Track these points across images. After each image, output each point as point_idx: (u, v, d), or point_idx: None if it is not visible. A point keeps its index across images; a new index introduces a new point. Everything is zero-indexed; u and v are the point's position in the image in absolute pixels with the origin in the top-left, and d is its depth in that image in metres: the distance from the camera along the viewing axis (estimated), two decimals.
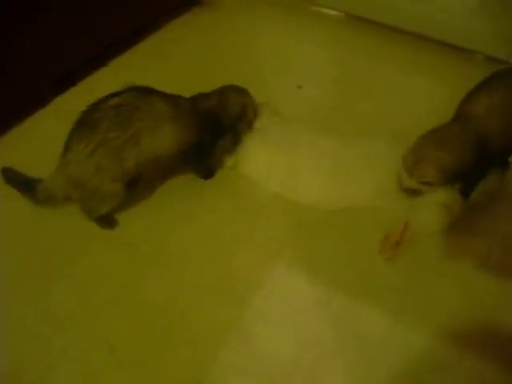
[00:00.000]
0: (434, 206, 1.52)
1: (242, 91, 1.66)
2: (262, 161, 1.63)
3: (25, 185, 1.51)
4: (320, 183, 1.58)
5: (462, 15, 2.23)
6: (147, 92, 1.46)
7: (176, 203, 1.61)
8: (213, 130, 1.61)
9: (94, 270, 1.43)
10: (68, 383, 1.21)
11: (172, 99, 1.50)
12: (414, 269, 1.46)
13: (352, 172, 1.59)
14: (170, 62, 2.16)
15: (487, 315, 1.37)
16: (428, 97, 2.08)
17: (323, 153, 1.61)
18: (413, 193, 1.53)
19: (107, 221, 1.53)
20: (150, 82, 1.75)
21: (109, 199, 1.46)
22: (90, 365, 1.24)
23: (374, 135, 1.78)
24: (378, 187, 1.58)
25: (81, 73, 2.02)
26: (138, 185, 1.58)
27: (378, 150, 1.64)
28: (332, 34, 2.37)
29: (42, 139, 1.77)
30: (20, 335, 1.29)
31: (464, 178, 1.56)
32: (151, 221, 1.56)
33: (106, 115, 1.39)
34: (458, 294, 1.41)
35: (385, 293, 1.40)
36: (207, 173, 1.69)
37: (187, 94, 1.59)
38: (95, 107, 1.41)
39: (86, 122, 1.40)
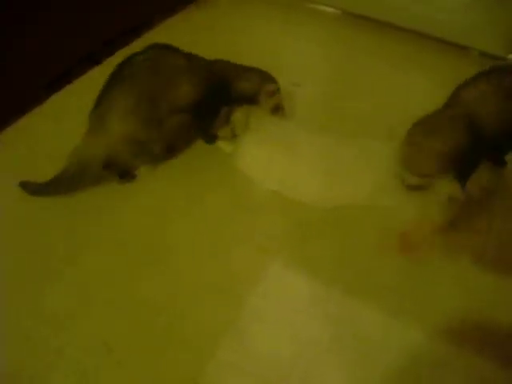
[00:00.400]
0: (435, 199, 1.54)
1: (266, 77, 1.71)
2: (259, 158, 1.63)
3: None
4: (318, 182, 1.58)
5: (458, 12, 2.22)
6: (167, 48, 1.57)
7: (172, 202, 1.61)
8: (218, 93, 1.65)
9: (92, 270, 1.42)
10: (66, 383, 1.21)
11: (190, 55, 1.61)
12: (412, 268, 1.46)
13: (350, 171, 1.59)
14: None
15: (485, 313, 1.37)
16: (425, 94, 2.07)
17: (321, 152, 1.62)
18: (416, 189, 1.52)
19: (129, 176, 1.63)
20: None
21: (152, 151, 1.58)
22: (88, 365, 1.23)
23: (371, 133, 1.79)
24: (377, 185, 1.59)
25: (75, 72, 2.01)
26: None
27: (373, 147, 1.65)
28: (329, 31, 2.36)
29: (36, 138, 1.76)
30: (18, 335, 1.28)
31: (459, 165, 1.55)
32: (148, 220, 1.55)
33: (138, 69, 1.48)
34: (456, 293, 1.40)
35: (383, 292, 1.40)
36: (207, 138, 1.75)
37: None
38: (124, 64, 1.50)
39: (121, 78, 1.48)
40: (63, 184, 1.51)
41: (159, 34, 2.29)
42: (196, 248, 1.49)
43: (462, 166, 1.57)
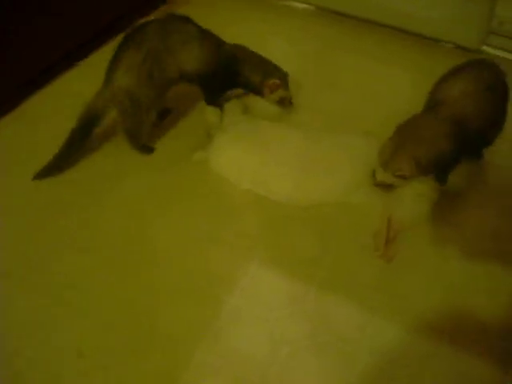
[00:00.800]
0: (416, 198, 1.53)
1: (270, 70, 1.76)
2: (232, 158, 1.62)
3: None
4: (291, 179, 1.57)
5: (432, 7, 2.23)
6: (183, 18, 1.68)
7: (148, 203, 1.59)
8: (226, 72, 1.73)
9: (65, 274, 1.40)
10: None
11: (203, 29, 1.70)
12: (389, 264, 1.46)
13: (324, 167, 1.57)
14: None
15: (464, 307, 1.38)
16: (399, 88, 2.09)
17: (294, 149, 1.60)
18: (386, 187, 1.52)
19: (146, 148, 1.71)
20: None
21: (151, 112, 1.64)
22: (59, 372, 1.21)
23: (346, 129, 1.79)
24: (351, 182, 1.58)
25: (47, 76, 1.98)
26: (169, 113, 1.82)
27: (349, 144, 1.64)
28: (302, 27, 2.36)
29: (6, 144, 1.74)
30: None
31: (441, 168, 1.56)
32: (123, 222, 1.54)
33: (150, 30, 1.58)
34: (434, 288, 1.41)
35: (359, 288, 1.40)
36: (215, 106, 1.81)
37: None
38: (139, 27, 1.59)
39: (134, 37, 1.57)
40: (74, 145, 1.59)
41: None
42: (170, 248, 1.47)
43: (443, 169, 1.58)
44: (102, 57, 2.08)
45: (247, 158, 1.59)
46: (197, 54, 1.66)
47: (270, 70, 1.75)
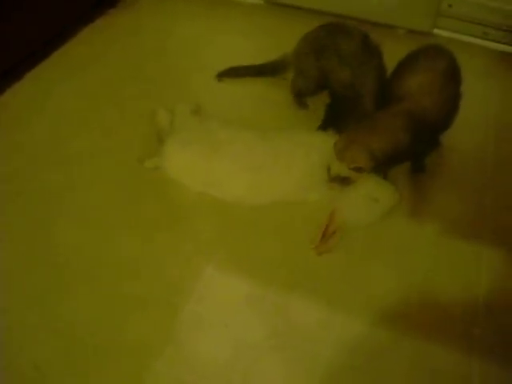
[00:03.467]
0: (368, 201, 1.51)
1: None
2: (183, 161, 1.59)
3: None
4: (243, 179, 1.54)
5: None
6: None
7: (102, 212, 1.56)
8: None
9: (18, 292, 1.36)
10: None
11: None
12: (345, 257, 1.45)
13: (276, 166, 1.55)
14: (88, 69, 2.08)
15: (423, 295, 1.38)
16: None
17: (246, 148, 1.57)
18: (341, 182, 1.50)
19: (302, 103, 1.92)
20: (69, 93, 1.89)
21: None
22: None
23: (302, 126, 1.77)
24: (306, 180, 1.56)
25: None
26: None
27: (303, 141, 1.61)
28: (252, 22, 2.34)
29: None
30: None
31: (404, 159, 1.56)
32: (78, 233, 1.51)
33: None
34: (393, 277, 1.41)
35: (319, 284, 1.39)
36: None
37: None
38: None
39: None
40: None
41: (82, 43, 2.22)
42: (125, 260, 1.44)
43: (413, 159, 1.60)
44: (50, 67, 2.08)
45: (198, 160, 1.56)
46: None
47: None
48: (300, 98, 1.91)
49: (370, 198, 1.50)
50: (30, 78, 2.02)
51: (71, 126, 1.83)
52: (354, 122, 1.61)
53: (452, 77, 1.54)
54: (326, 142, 1.56)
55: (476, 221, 1.55)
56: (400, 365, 1.24)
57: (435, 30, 2.24)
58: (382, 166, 1.50)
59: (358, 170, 1.45)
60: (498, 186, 1.64)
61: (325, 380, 1.22)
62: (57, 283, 1.39)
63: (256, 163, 1.54)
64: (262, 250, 1.46)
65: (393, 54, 1.94)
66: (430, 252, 1.47)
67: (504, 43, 2.17)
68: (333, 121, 1.78)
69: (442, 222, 1.54)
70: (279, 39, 2.19)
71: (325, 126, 1.78)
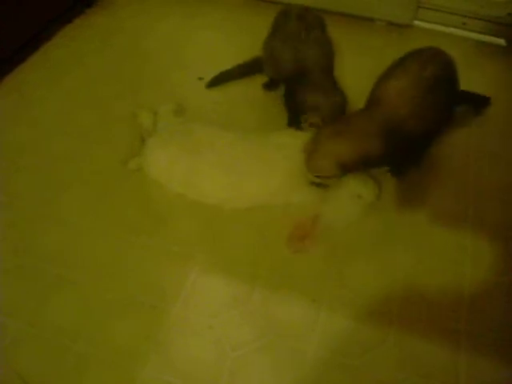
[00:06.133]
0: (350, 200, 1.51)
1: (315, 107, 1.62)
2: (163, 162, 1.57)
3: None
4: (221, 182, 1.52)
5: None
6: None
7: (83, 216, 1.55)
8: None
9: (1, 297, 1.36)
10: None
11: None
12: (327, 254, 1.45)
13: (256, 169, 1.53)
14: (67, 70, 2.06)
15: (408, 290, 1.38)
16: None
17: (224, 151, 1.54)
18: (319, 186, 1.48)
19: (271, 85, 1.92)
20: (48, 95, 1.91)
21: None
22: None
23: (280, 127, 1.74)
24: (286, 182, 1.53)
25: None
26: None
27: (284, 143, 1.58)
28: (232, 18, 2.31)
29: None
30: None
31: (378, 165, 1.53)
32: (60, 236, 1.50)
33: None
34: (373, 272, 1.41)
35: (303, 283, 1.39)
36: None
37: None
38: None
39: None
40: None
41: (60, 44, 2.19)
42: (108, 265, 1.43)
43: (373, 167, 1.53)
44: (28, 71, 2.06)
45: (177, 161, 1.54)
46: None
47: (315, 106, 1.62)
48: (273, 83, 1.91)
49: (353, 195, 1.50)
50: (8, 82, 2.00)
51: (50, 129, 1.81)
52: (311, 102, 1.60)
53: (443, 85, 1.44)
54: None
55: (459, 213, 1.54)
56: (386, 360, 1.24)
57: (415, 22, 2.23)
58: (352, 171, 1.45)
59: (327, 177, 1.42)
60: (481, 177, 1.63)
61: (312, 378, 1.22)
62: (39, 290, 1.38)
63: (235, 167, 1.52)
64: (244, 252, 1.45)
65: (372, 47, 1.95)
66: (412, 246, 1.46)
67: (482, 33, 2.17)
68: (295, 110, 1.71)
69: (425, 216, 1.54)
70: (260, 35, 2.17)
71: (292, 119, 1.74)
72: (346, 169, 1.40)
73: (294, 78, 1.69)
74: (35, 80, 2.01)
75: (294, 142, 1.56)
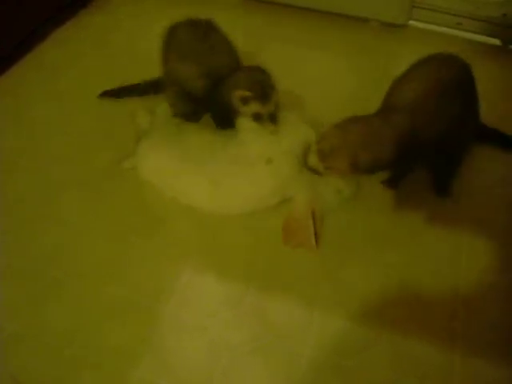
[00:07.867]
0: (329, 191, 1.53)
1: (241, 81, 1.55)
2: (155, 164, 1.57)
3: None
4: (204, 190, 1.51)
5: None
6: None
7: (78, 217, 1.55)
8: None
9: None
10: None
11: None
12: (321, 255, 1.45)
13: (243, 174, 1.52)
14: (61, 71, 2.05)
15: (403, 290, 1.38)
16: (329, 71, 2.06)
17: (209, 156, 1.53)
18: (314, 172, 1.46)
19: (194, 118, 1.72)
20: (43, 96, 1.92)
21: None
22: None
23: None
24: (277, 181, 1.52)
25: None
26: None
27: (261, 149, 1.55)
28: (229, 19, 2.29)
29: None
30: None
31: (381, 170, 1.51)
32: (54, 239, 1.49)
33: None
34: (368, 273, 1.41)
35: (297, 284, 1.39)
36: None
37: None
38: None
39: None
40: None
41: (54, 45, 2.19)
42: (101, 267, 1.43)
43: (376, 172, 1.50)
44: (22, 71, 2.04)
45: (167, 165, 1.54)
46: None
47: (241, 80, 1.55)
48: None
49: (335, 190, 1.52)
50: (3, 82, 1.99)
51: (47, 130, 1.81)
52: (233, 82, 1.54)
53: (459, 92, 1.41)
54: (287, 152, 1.54)
55: (454, 214, 1.54)
56: (381, 361, 1.24)
57: (410, 22, 2.23)
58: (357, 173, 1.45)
59: (335, 172, 1.42)
60: (474, 175, 1.63)
61: (307, 379, 1.22)
62: (35, 293, 1.37)
63: (218, 174, 1.51)
64: (238, 253, 1.45)
65: (367, 48, 1.94)
66: (407, 246, 1.46)
67: (478, 33, 2.17)
68: (223, 119, 1.66)
69: (420, 216, 1.54)
70: (257, 35, 2.18)
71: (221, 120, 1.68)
72: (356, 169, 1.38)
73: (206, 95, 1.60)
74: (30, 81, 2.01)
75: (274, 147, 1.54)
